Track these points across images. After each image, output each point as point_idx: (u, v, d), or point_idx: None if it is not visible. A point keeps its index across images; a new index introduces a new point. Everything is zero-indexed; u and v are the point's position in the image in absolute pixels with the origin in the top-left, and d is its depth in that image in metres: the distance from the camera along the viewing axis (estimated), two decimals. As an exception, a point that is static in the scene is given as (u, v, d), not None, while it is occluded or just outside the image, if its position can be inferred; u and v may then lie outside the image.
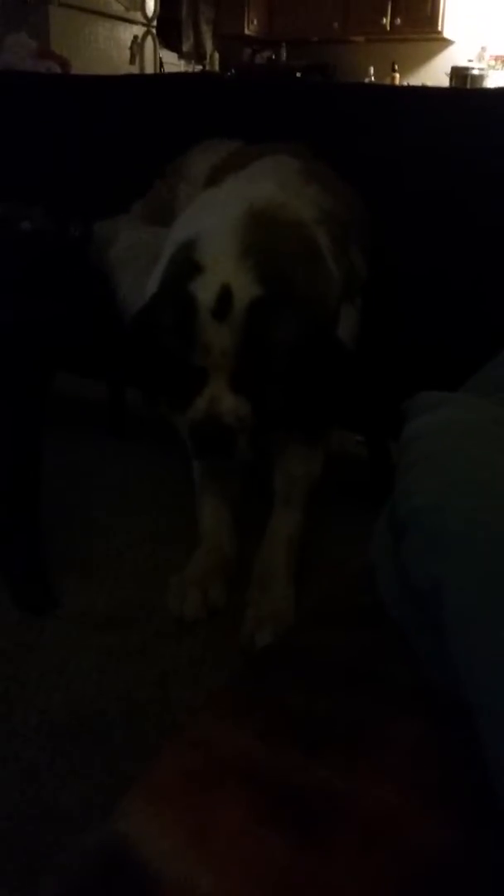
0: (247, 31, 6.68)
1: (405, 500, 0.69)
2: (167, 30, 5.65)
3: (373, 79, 6.31)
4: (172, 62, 5.83)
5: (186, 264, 1.25)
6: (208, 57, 6.46)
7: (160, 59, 5.31)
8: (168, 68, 5.51)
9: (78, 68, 3.59)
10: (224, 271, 1.21)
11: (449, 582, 0.58)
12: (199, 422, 1.26)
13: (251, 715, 0.58)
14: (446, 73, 6.15)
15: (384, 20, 6.35)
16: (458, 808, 0.52)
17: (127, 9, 4.91)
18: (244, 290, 1.20)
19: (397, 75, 6.41)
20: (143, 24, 5.06)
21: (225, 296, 1.20)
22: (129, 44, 4.98)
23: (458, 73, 6.03)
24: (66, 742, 1.15)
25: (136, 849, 0.46)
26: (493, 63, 6.12)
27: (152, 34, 5.12)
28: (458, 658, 0.55)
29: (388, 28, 6.38)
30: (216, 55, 6.55)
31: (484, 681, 0.53)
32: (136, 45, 5.00)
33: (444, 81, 6.09)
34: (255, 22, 6.71)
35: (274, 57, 6.99)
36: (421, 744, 0.57)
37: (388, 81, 6.20)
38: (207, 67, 6.32)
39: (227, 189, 1.44)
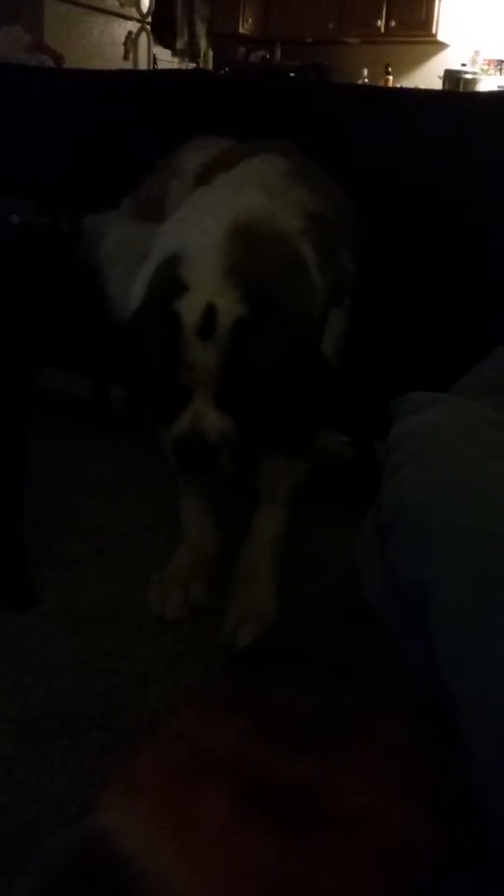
0: (241, 30, 6.68)
1: (392, 499, 0.69)
2: (162, 27, 5.63)
3: (367, 80, 6.33)
4: (166, 59, 5.81)
5: (172, 282, 1.25)
6: (202, 55, 6.45)
7: (154, 55, 5.30)
8: (162, 65, 5.49)
9: (71, 63, 3.58)
10: (209, 290, 1.21)
11: (435, 582, 0.58)
12: (182, 438, 1.27)
13: (235, 711, 0.58)
14: (440, 76, 6.17)
15: (379, 22, 6.36)
16: (443, 806, 0.52)
17: (122, 4, 4.90)
18: (228, 309, 1.21)
19: (391, 77, 6.43)
20: (138, 21, 5.04)
21: (209, 315, 1.21)
22: (123, 39, 4.97)
23: (452, 77, 6.05)
24: (44, 739, 1.15)
25: (117, 843, 0.45)
26: (485, 67, 6.15)
27: (147, 30, 5.11)
28: (443, 658, 0.55)
29: (383, 30, 6.40)
30: (210, 53, 6.54)
31: (468, 682, 0.53)
32: (131, 41, 4.99)
33: (438, 84, 6.11)
34: (250, 21, 6.71)
35: (268, 56, 7.00)
36: (406, 742, 0.56)
37: (381, 83, 6.21)
38: (201, 65, 6.31)
39: (214, 197, 1.43)
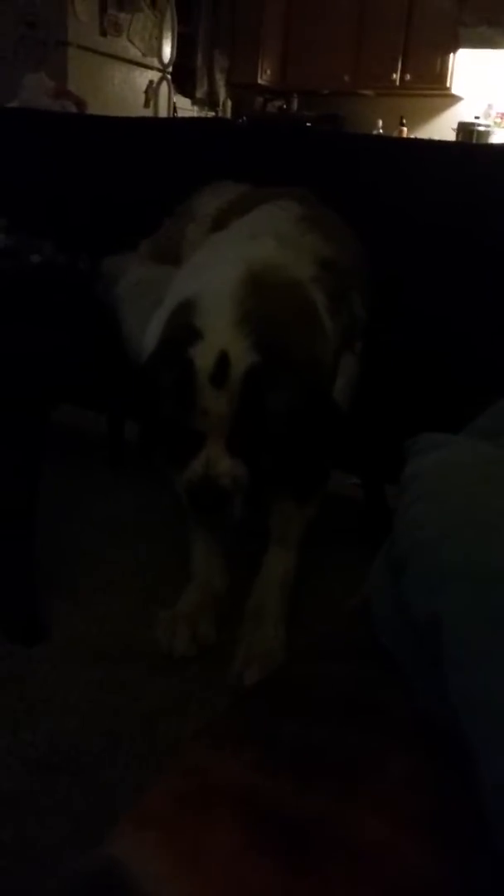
0: (260, 81, 6.83)
1: (406, 535, 0.70)
2: (182, 76, 5.78)
3: (381, 131, 6.45)
4: (186, 108, 5.95)
5: (186, 329, 1.27)
6: (221, 104, 6.60)
7: (174, 104, 5.43)
8: (181, 113, 5.62)
9: (94, 109, 3.67)
10: (222, 338, 1.24)
11: (448, 617, 0.58)
12: (195, 483, 1.29)
13: (245, 743, 0.58)
14: (453, 129, 6.27)
15: (394, 75, 6.49)
16: (452, 840, 0.52)
17: (144, 55, 5.03)
18: (241, 357, 1.23)
19: (405, 129, 6.54)
20: (159, 70, 5.18)
21: (222, 363, 1.23)
22: (144, 88, 5.10)
23: (465, 129, 6.16)
24: (49, 775, 1.14)
25: (128, 872, 0.45)
26: (498, 120, 6.26)
27: (167, 80, 5.24)
28: (455, 694, 0.56)
29: (398, 83, 6.52)
30: (229, 103, 6.69)
31: (482, 718, 0.53)
32: (152, 90, 5.12)
33: (451, 136, 6.20)
34: (269, 72, 6.86)
35: (285, 106, 7.15)
36: (415, 775, 0.56)
37: (396, 134, 6.32)
38: (220, 114, 6.46)
39: (229, 244, 1.46)
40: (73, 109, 3.19)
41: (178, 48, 5.26)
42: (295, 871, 0.46)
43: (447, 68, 6.29)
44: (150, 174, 2.13)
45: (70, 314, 1.69)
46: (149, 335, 1.41)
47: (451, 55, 6.22)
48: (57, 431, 1.54)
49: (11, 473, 1.45)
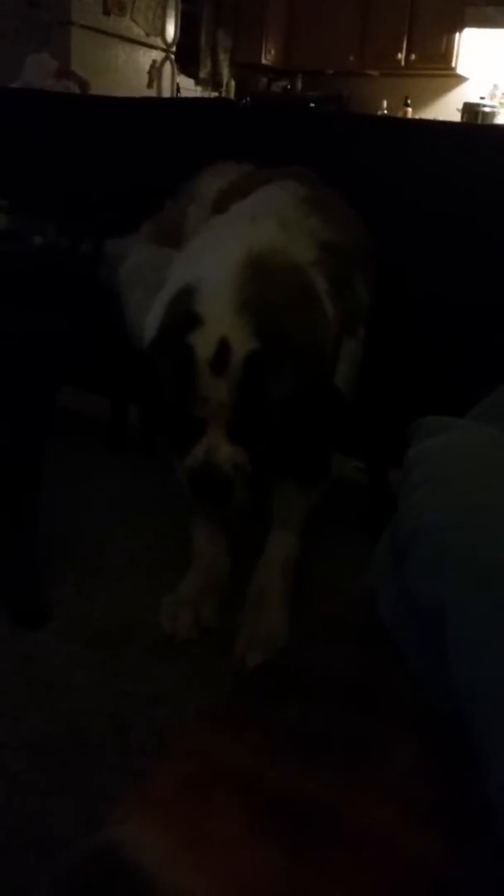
0: (263, 61, 6.77)
1: (409, 519, 0.69)
2: (185, 56, 5.74)
3: (386, 112, 6.40)
4: (189, 88, 5.91)
5: (186, 315, 1.27)
6: (225, 84, 6.56)
7: (177, 84, 5.39)
8: (185, 94, 5.59)
9: (97, 90, 3.64)
10: (222, 325, 1.23)
11: (452, 602, 0.58)
12: (196, 469, 1.29)
13: (248, 728, 0.58)
14: (458, 109, 6.22)
15: (399, 55, 6.44)
16: (454, 827, 0.52)
17: (147, 34, 4.99)
18: (241, 343, 1.22)
19: (410, 109, 6.49)
20: (163, 50, 5.14)
21: (222, 349, 1.22)
22: (147, 68, 5.06)
23: (470, 110, 6.11)
24: (53, 757, 1.14)
25: (132, 855, 0.46)
26: (503, 101, 6.21)
27: (171, 60, 5.20)
28: (460, 679, 0.56)
29: (403, 63, 6.47)
30: (232, 83, 6.64)
31: (485, 703, 0.53)
32: (155, 70, 5.08)
33: (456, 117, 6.16)
34: (272, 52, 6.80)
35: (289, 87, 7.09)
36: (418, 762, 0.57)
37: (400, 115, 6.27)
38: (223, 94, 6.41)
39: (229, 228, 1.45)
40: (76, 90, 3.16)
41: (181, 28, 5.21)
42: (296, 855, 0.47)
43: (452, 48, 6.24)
44: (153, 155, 2.11)
45: (72, 297, 1.68)
46: (150, 320, 1.40)
47: (457, 35, 6.17)
48: (59, 415, 1.53)
49: (16, 456, 1.45)
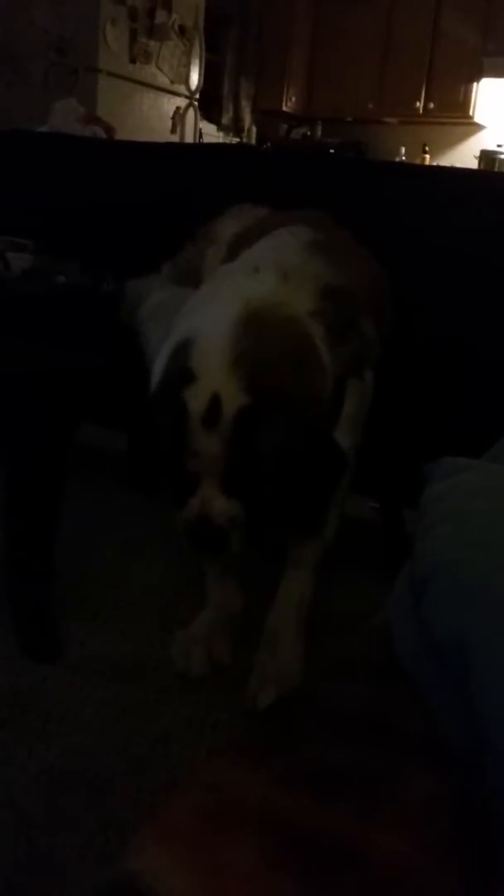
0: (284, 108, 6.91)
1: (427, 555, 0.70)
2: (208, 103, 5.87)
3: (404, 158, 6.49)
4: (211, 133, 6.03)
5: (181, 370, 1.29)
6: (246, 130, 6.69)
7: (200, 130, 5.50)
8: (207, 139, 5.69)
9: (122, 135, 3.72)
10: (214, 380, 1.25)
11: (473, 637, 0.58)
12: (192, 522, 1.31)
13: (266, 761, 0.58)
14: (475, 156, 6.31)
15: (418, 103, 6.55)
16: (472, 862, 0.51)
17: (172, 82, 5.12)
18: (232, 399, 1.24)
19: (428, 156, 6.58)
20: (186, 97, 5.26)
21: (214, 405, 1.24)
22: (171, 114, 5.17)
23: (487, 157, 6.20)
24: (63, 793, 1.14)
25: (149, 885, 0.46)
26: (521, 148, 6.30)
27: (194, 106, 5.32)
28: (486, 714, 0.55)
29: (422, 111, 6.58)
30: (254, 129, 6.78)
31: None
32: (178, 116, 5.20)
33: (473, 164, 6.24)
34: (293, 99, 6.95)
35: (309, 133, 7.22)
36: (435, 797, 0.56)
37: (418, 162, 6.36)
38: (245, 140, 6.53)
39: (231, 280, 1.47)
40: (103, 135, 3.24)
41: (205, 75, 5.34)
42: (313, 889, 0.46)
43: (470, 97, 6.34)
44: (175, 198, 2.16)
45: (94, 335, 1.71)
46: (155, 370, 1.43)
47: (475, 84, 6.27)
48: (76, 450, 1.55)
49: (34, 493, 1.47)
